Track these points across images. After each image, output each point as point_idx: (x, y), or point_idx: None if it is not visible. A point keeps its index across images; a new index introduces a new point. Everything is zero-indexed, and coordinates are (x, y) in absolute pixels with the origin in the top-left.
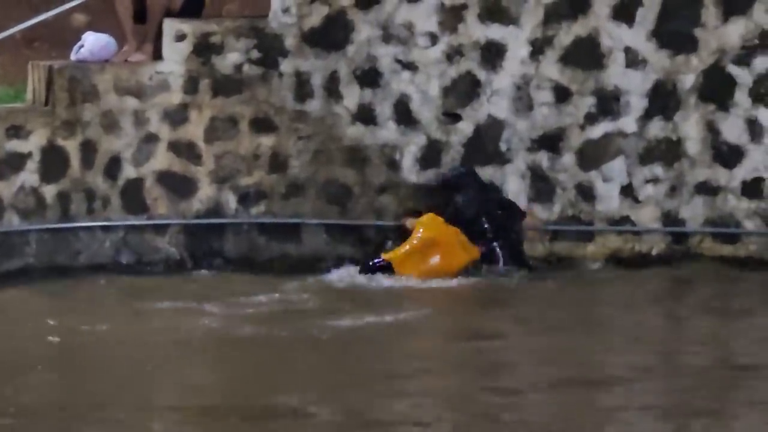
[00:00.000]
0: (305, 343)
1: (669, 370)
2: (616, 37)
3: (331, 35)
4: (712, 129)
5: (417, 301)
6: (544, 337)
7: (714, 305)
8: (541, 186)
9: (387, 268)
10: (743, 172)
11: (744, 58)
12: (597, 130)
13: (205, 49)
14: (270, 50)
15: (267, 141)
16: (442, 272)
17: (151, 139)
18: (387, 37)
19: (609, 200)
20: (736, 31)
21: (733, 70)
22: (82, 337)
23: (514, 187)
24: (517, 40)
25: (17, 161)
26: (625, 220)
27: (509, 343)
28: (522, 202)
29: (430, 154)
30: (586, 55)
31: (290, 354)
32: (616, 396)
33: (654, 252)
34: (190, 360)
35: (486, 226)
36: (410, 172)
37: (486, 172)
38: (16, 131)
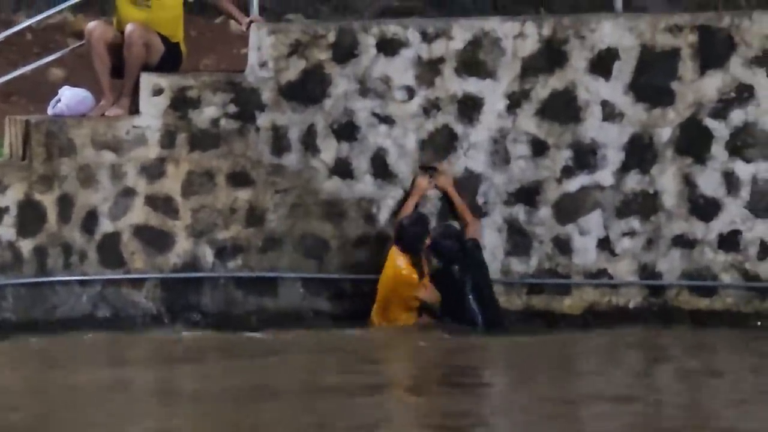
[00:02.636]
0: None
1: None
2: (593, 90)
3: (308, 89)
4: (688, 182)
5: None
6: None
7: (689, 362)
8: (518, 239)
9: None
10: (720, 225)
11: (721, 111)
12: (574, 184)
13: (182, 103)
14: (247, 104)
15: (244, 195)
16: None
17: (128, 193)
18: (364, 91)
19: (586, 253)
20: (712, 85)
21: (709, 123)
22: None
23: (492, 240)
24: (494, 94)
25: None
26: (602, 273)
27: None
28: (499, 257)
29: None
30: (563, 108)
31: None
32: None
33: (631, 305)
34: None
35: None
36: (387, 225)
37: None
38: None
